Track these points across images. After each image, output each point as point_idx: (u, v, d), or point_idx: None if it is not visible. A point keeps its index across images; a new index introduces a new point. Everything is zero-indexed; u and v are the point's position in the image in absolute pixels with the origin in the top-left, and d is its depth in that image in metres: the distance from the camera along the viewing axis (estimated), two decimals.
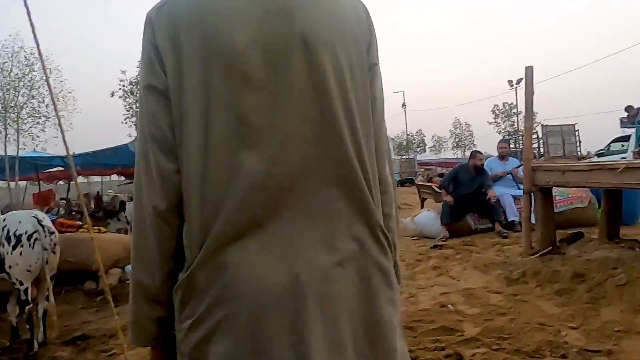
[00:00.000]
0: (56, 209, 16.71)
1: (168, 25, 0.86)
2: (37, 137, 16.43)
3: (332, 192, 0.89)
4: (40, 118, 15.99)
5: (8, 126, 14.98)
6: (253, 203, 0.83)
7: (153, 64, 0.87)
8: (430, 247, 6.15)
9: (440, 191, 7.68)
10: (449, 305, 3.70)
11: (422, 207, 9.66)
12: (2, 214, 9.95)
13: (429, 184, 10.15)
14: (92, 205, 13.37)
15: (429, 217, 7.42)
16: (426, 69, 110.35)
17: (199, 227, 0.84)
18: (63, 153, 14.59)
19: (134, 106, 14.34)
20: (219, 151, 0.84)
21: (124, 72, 14.43)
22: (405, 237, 7.49)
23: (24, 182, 17.28)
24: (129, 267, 7.25)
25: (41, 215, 4.84)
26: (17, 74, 15.23)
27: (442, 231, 6.91)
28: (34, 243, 4.46)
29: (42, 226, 4.59)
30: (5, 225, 4.51)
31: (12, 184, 14.72)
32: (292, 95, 0.85)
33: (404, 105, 51.68)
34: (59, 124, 3.45)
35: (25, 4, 2.89)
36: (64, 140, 3.40)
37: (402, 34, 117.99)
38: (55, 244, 4.72)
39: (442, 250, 5.95)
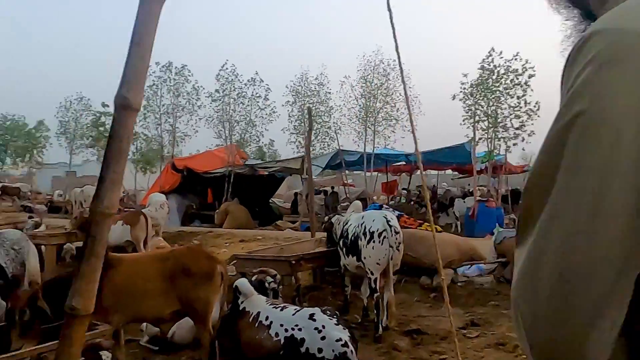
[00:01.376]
0: (398, 197, 19.09)
1: None
2: (388, 137, 18.92)
3: None
4: (391, 121, 18.29)
5: (367, 128, 17.74)
6: None
7: None
8: None
9: None
10: None
11: None
12: (357, 199, 11.81)
13: None
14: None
15: None
16: None
17: None
18: (408, 150, 16.55)
19: (472, 108, 14.71)
20: None
21: (465, 75, 14.89)
22: None
23: (375, 173, 20.46)
24: (461, 269, 7.47)
25: (390, 215, 5.47)
26: (375, 83, 17.86)
27: None
28: (382, 240, 5.08)
29: (390, 226, 5.17)
30: (363, 222, 5.30)
31: (367, 174, 17.60)
32: None
33: None
34: (412, 127, 3.93)
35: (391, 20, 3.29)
36: (415, 141, 3.82)
37: None
38: (399, 243, 5.26)
39: None
